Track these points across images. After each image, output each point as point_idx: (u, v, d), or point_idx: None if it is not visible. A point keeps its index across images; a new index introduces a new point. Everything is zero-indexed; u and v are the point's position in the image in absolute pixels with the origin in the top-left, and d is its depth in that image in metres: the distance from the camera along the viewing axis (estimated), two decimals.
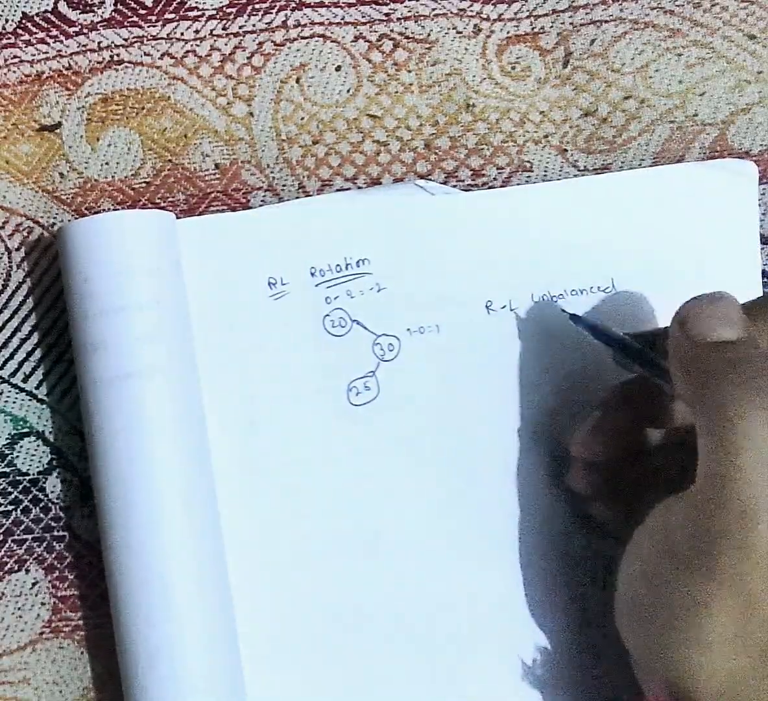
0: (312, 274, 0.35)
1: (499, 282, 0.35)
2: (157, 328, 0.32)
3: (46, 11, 0.37)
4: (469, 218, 0.35)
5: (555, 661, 0.33)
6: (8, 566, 0.35)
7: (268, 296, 0.35)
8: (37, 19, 0.37)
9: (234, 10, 0.37)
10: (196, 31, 0.37)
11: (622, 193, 0.35)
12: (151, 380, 0.32)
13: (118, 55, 0.37)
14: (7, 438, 0.35)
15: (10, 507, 0.35)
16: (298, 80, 0.37)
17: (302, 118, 0.37)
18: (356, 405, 0.34)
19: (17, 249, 0.36)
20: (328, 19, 0.37)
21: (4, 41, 0.37)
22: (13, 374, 0.36)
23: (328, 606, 0.34)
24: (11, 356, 0.36)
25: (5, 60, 0.37)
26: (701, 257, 0.35)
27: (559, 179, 0.36)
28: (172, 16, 0.37)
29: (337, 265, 0.35)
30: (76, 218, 0.36)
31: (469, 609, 0.33)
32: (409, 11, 0.37)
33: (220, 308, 0.34)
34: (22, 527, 0.35)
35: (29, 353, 0.36)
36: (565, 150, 0.36)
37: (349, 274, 0.35)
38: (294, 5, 0.37)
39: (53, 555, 0.35)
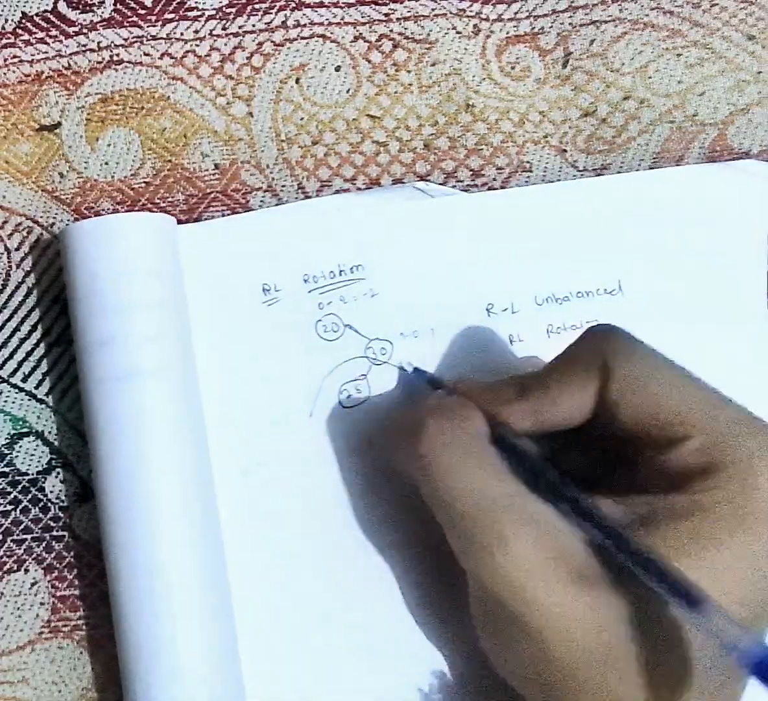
0: (305, 280, 0.35)
1: (501, 284, 0.35)
2: (162, 327, 0.32)
3: (45, 11, 0.37)
4: (471, 218, 0.35)
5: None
6: (7, 566, 0.35)
7: (262, 302, 0.35)
8: (36, 19, 0.37)
9: (234, 10, 0.37)
10: (196, 31, 0.37)
11: (631, 194, 0.35)
12: (157, 379, 0.32)
13: (117, 55, 0.37)
14: (6, 438, 0.35)
15: (9, 507, 0.35)
16: (297, 80, 0.37)
17: (302, 119, 0.37)
18: (347, 407, 0.34)
19: (17, 249, 0.36)
20: (327, 19, 0.37)
21: (4, 41, 0.37)
22: (13, 373, 0.36)
23: (328, 605, 0.34)
24: (11, 356, 0.36)
25: (5, 60, 0.37)
26: (710, 260, 0.35)
27: (558, 180, 0.36)
28: (171, 16, 0.37)
29: (331, 271, 0.35)
30: (75, 218, 0.36)
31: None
32: (409, 11, 0.37)
33: (217, 312, 0.35)
34: (22, 527, 0.35)
35: (29, 353, 0.36)
36: (565, 150, 0.36)
37: (342, 280, 0.35)
38: (294, 5, 0.37)
39: (52, 555, 0.35)
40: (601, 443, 0.30)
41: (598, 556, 0.26)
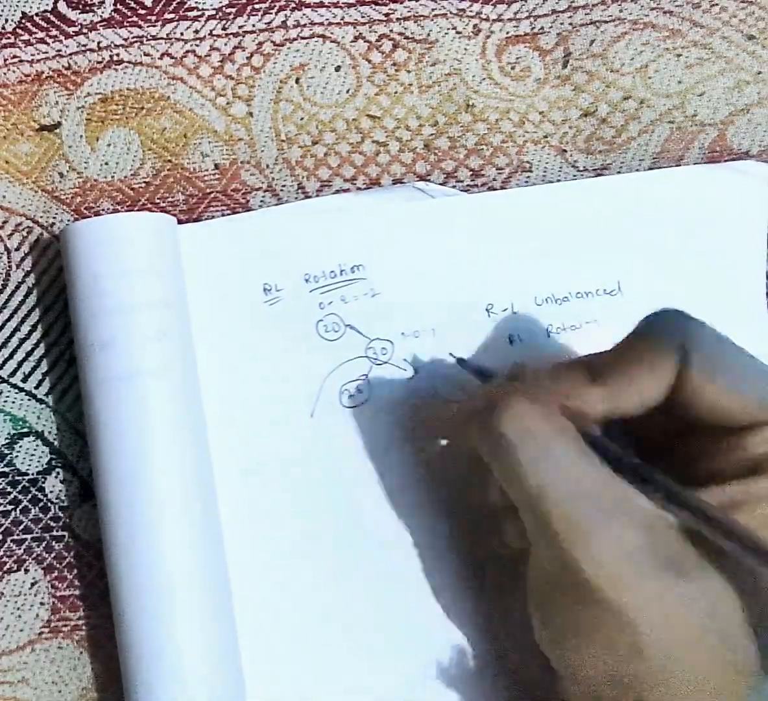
0: (306, 280, 0.35)
1: (501, 284, 0.35)
2: (163, 327, 0.32)
3: (45, 11, 0.37)
4: (471, 219, 0.35)
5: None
6: (7, 566, 0.35)
7: (263, 302, 0.35)
8: (36, 19, 0.37)
9: (234, 10, 0.37)
10: (196, 31, 0.37)
11: (631, 194, 0.35)
12: (158, 379, 0.32)
13: (117, 55, 0.37)
14: (6, 438, 0.35)
15: (9, 507, 0.35)
16: (297, 80, 0.37)
17: (302, 119, 0.37)
18: (348, 407, 0.34)
19: (17, 249, 0.36)
20: (327, 19, 0.37)
21: (4, 41, 0.37)
22: (13, 373, 0.36)
23: (328, 605, 0.34)
24: (11, 356, 0.36)
25: (5, 60, 0.37)
26: (709, 260, 0.35)
27: (558, 180, 0.36)
28: (171, 16, 0.37)
29: (332, 271, 0.35)
30: (75, 218, 0.36)
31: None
32: (409, 11, 0.37)
33: (218, 312, 0.35)
34: (21, 527, 0.35)
35: (29, 353, 0.36)
36: (565, 150, 0.36)
37: (343, 280, 0.35)
38: (294, 5, 0.37)
39: (52, 555, 0.35)
40: (667, 431, 0.29)
41: (689, 541, 0.26)
